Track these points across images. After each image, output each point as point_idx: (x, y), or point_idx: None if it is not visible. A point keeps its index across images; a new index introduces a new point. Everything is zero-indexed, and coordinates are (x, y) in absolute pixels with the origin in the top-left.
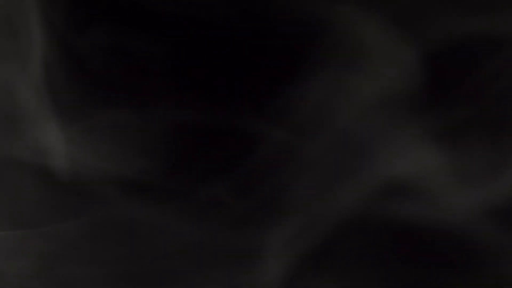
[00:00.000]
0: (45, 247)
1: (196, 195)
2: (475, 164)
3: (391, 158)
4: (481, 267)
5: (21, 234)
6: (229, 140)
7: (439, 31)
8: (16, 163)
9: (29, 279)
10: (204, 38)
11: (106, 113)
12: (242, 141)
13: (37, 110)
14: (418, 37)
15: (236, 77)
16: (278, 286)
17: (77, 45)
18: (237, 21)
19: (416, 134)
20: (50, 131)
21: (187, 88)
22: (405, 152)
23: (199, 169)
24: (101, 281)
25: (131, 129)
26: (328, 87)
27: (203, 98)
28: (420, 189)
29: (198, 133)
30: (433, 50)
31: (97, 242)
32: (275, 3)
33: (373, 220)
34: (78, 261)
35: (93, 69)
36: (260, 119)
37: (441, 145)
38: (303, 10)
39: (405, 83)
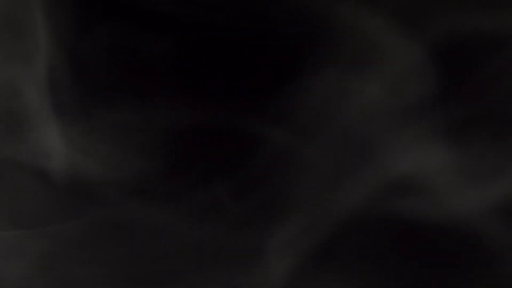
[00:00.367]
0: (45, 247)
1: (197, 195)
2: (479, 162)
3: (395, 156)
4: (485, 265)
5: (21, 234)
6: (231, 141)
7: (442, 29)
8: (16, 163)
9: (29, 279)
10: (204, 38)
11: (106, 114)
12: (243, 141)
13: (39, 110)
14: (421, 35)
15: (237, 77)
16: (280, 286)
17: (80, 45)
18: (238, 21)
19: (420, 133)
20: (51, 132)
21: (188, 89)
22: (409, 150)
23: (200, 169)
24: (101, 281)
25: (132, 129)
26: (331, 86)
27: (205, 99)
28: (424, 187)
29: (199, 134)
30: (436, 48)
31: (97, 242)
32: (277, 3)
33: (377, 219)
34: (78, 261)
35: (95, 69)
36: (262, 119)
37: (445, 144)
38: (305, 9)
39: (409, 81)
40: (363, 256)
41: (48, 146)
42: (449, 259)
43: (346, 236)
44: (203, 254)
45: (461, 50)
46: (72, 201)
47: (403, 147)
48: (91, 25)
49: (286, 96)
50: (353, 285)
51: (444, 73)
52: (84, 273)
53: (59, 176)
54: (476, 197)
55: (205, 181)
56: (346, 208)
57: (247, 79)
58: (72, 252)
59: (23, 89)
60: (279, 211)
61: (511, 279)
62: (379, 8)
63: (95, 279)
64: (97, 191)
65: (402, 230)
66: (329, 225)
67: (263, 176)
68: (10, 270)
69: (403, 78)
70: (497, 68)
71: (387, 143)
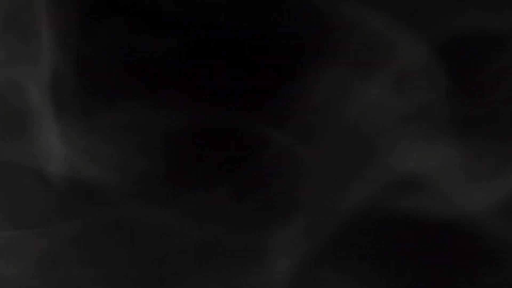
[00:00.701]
0: (45, 247)
1: (197, 196)
2: (483, 160)
3: (398, 155)
4: (490, 262)
5: (21, 234)
6: (232, 141)
7: (444, 28)
8: (17, 163)
9: (29, 279)
10: (205, 38)
11: (107, 114)
12: (245, 142)
13: (42, 111)
14: (424, 34)
15: (238, 77)
16: (281, 286)
17: (83, 45)
18: (239, 21)
19: (424, 131)
20: (53, 132)
21: (189, 89)
22: (413, 149)
23: (201, 170)
24: (101, 281)
25: (132, 130)
26: (333, 85)
27: (206, 99)
28: (428, 186)
29: (200, 134)
30: (439, 47)
31: (97, 242)
32: (278, 3)
33: (380, 218)
34: (78, 261)
35: (97, 69)
36: (264, 119)
37: (448, 142)
38: (306, 9)
39: (411, 81)
40: (366, 255)
41: (49, 146)
42: (453, 257)
43: (349, 236)
44: (203, 254)
45: (464, 49)
46: (72, 201)
47: (407, 146)
48: (94, 25)
49: (288, 96)
50: (356, 284)
51: (447, 72)
52: (84, 273)
53: (59, 176)
54: (480, 195)
55: (206, 182)
56: (349, 208)
57: (248, 79)
58: (72, 252)
59: (26, 89)
60: (280, 211)
61: None
62: (381, 7)
63: (95, 280)
64: (98, 191)
65: (406, 229)
66: (332, 224)
67: (264, 176)
68: (10, 270)
69: (405, 77)
70: (500, 67)
71: (390, 142)
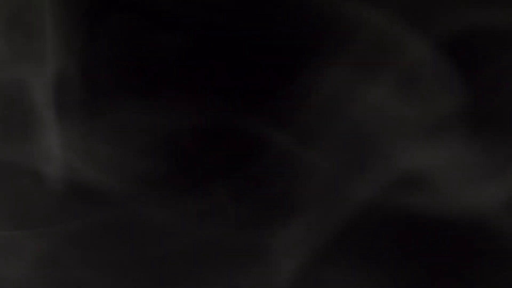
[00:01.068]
0: (45, 247)
1: (199, 196)
2: (489, 157)
3: (403, 153)
4: (496, 259)
5: (21, 234)
6: (234, 141)
7: (448, 25)
8: (18, 164)
9: (29, 279)
10: (206, 38)
11: (108, 115)
12: (247, 142)
13: (45, 111)
14: (428, 32)
15: (239, 77)
16: (284, 286)
17: (87, 44)
18: (241, 21)
19: (428, 129)
20: (55, 133)
21: (190, 89)
22: (417, 146)
23: (202, 170)
24: (101, 282)
25: (134, 130)
26: (336, 84)
27: (207, 99)
28: (433, 183)
29: (202, 134)
30: (443, 44)
31: (98, 243)
32: (280, 2)
33: (385, 216)
34: (79, 262)
35: (100, 70)
36: (266, 119)
37: (453, 139)
38: (308, 8)
39: (415, 79)
40: (370, 254)
41: (50, 147)
42: (458, 256)
43: (353, 234)
44: (204, 255)
45: (468, 47)
46: (72, 201)
47: (410, 145)
48: (97, 24)
49: (289, 96)
50: (360, 283)
51: (451, 71)
52: (84, 274)
53: (60, 176)
54: (485, 194)
55: (206, 182)
56: (352, 207)
57: (250, 79)
58: (72, 252)
59: (30, 89)
60: (282, 212)
61: None
62: (384, 6)
63: (95, 280)
64: (98, 191)
65: (410, 228)
66: (335, 224)
67: (265, 176)
68: (10, 270)
69: (409, 75)
70: (503, 66)
71: (394, 140)
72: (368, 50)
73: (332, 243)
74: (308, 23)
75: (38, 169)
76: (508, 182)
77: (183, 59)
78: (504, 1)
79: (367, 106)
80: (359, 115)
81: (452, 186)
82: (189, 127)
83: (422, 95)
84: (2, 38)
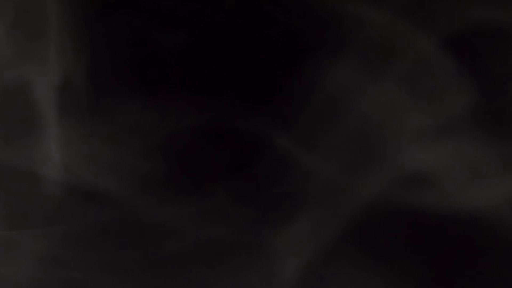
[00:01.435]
0: (45, 247)
1: (202, 196)
2: (493, 155)
3: (408, 150)
4: (502, 257)
5: (21, 234)
6: (236, 141)
7: (452, 22)
8: (19, 164)
9: (29, 279)
10: (209, 37)
11: (111, 115)
12: (250, 141)
13: (47, 111)
14: (431, 28)
15: (241, 77)
16: (288, 285)
17: (92, 44)
18: (243, 19)
19: (432, 126)
20: (57, 132)
21: (192, 89)
22: (422, 144)
23: (204, 170)
24: (102, 282)
25: (134, 131)
26: (340, 81)
27: (209, 99)
28: (438, 181)
29: (204, 135)
30: (447, 41)
31: (99, 243)
32: (282, 0)
33: (389, 214)
34: (79, 262)
35: (103, 70)
36: (270, 118)
37: (458, 136)
38: (311, 5)
39: (419, 76)
40: (374, 252)
41: (52, 146)
42: (463, 252)
43: (357, 233)
44: (206, 255)
45: (472, 44)
46: (73, 201)
47: (415, 142)
48: (100, 25)
49: (293, 95)
50: (364, 281)
51: (455, 67)
52: (84, 274)
53: (61, 176)
54: (490, 190)
55: (209, 182)
56: (357, 205)
57: (252, 79)
58: (72, 252)
59: (33, 89)
60: (286, 211)
61: None
62: (388, 2)
63: (95, 280)
64: (99, 191)
65: (414, 225)
66: (339, 222)
67: (268, 176)
68: (10, 270)
69: (413, 74)
70: (510, 62)
71: (398, 138)
72: (372, 49)
73: (336, 241)
74: (311, 22)
75: (39, 169)
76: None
77: (184, 59)
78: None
79: (371, 105)
80: (363, 114)
81: (456, 184)
82: (190, 127)
83: (426, 94)
84: (6, 38)
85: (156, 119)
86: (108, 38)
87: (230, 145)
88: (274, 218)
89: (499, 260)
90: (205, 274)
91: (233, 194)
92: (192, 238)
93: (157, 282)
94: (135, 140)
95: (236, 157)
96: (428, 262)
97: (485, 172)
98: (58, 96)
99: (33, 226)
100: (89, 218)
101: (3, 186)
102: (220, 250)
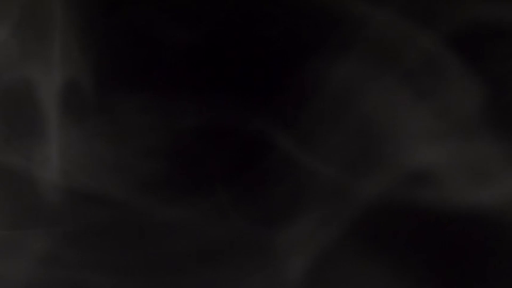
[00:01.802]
0: (45, 247)
1: (202, 196)
2: (496, 153)
3: (411, 148)
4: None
5: (21, 234)
6: (238, 141)
7: (456, 20)
8: (20, 164)
9: (29, 279)
10: (209, 37)
11: (110, 115)
12: (252, 141)
13: (51, 110)
14: (435, 26)
15: (243, 76)
16: (292, 285)
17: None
18: (246, 19)
19: (437, 124)
20: (58, 132)
21: (193, 89)
22: (426, 142)
23: (206, 170)
24: (102, 282)
25: (135, 131)
26: (343, 80)
27: (211, 98)
28: (442, 179)
29: (206, 135)
30: (450, 39)
31: (99, 243)
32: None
33: (393, 212)
34: (79, 262)
35: (105, 70)
36: (273, 117)
37: (462, 135)
38: (314, 5)
39: (423, 74)
40: (378, 250)
41: (53, 147)
42: (465, 250)
43: (360, 231)
44: (206, 255)
45: (474, 42)
46: (74, 202)
47: (417, 140)
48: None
49: (294, 95)
50: (367, 278)
51: (458, 65)
52: (84, 274)
53: (62, 177)
54: (492, 189)
55: (210, 182)
56: (358, 204)
57: (253, 79)
58: (72, 252)
59: (37, 89)
60: (288, 210)
61: None
62: (389, 1)
63: (95, 280)
64: (101, 192)
65: (417, 223)
66: (343, 220)
67: (271, 175)
68: (10, 270)
69: (415, 72)
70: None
71: (401, 136)
72: (373, 49)
73: (337, 241)
74: (311, 22)
75: (39, 169)
76: None
77: (184, 59)
78: None
79: (372, 104)
80: (364, 114)
81: (458, 183)
82: (190, 127)
83: (427, 93)
84: (11, 38)
85: (156, 119)
86: (108, 38)
87: (230, 145)
88: (275, 218)
89: (501, 258)
90: (206, 274)
91: (233, 194)
92: (193, 238)
93: (157, 282)
94: (135, 140)
95: (237, 157)
96: (430, 260)
97: (487, 171)
98: (62, 96)
99: (33, 226)
100: (89, 218)
101: (3, 186)
102: (220, 250)
